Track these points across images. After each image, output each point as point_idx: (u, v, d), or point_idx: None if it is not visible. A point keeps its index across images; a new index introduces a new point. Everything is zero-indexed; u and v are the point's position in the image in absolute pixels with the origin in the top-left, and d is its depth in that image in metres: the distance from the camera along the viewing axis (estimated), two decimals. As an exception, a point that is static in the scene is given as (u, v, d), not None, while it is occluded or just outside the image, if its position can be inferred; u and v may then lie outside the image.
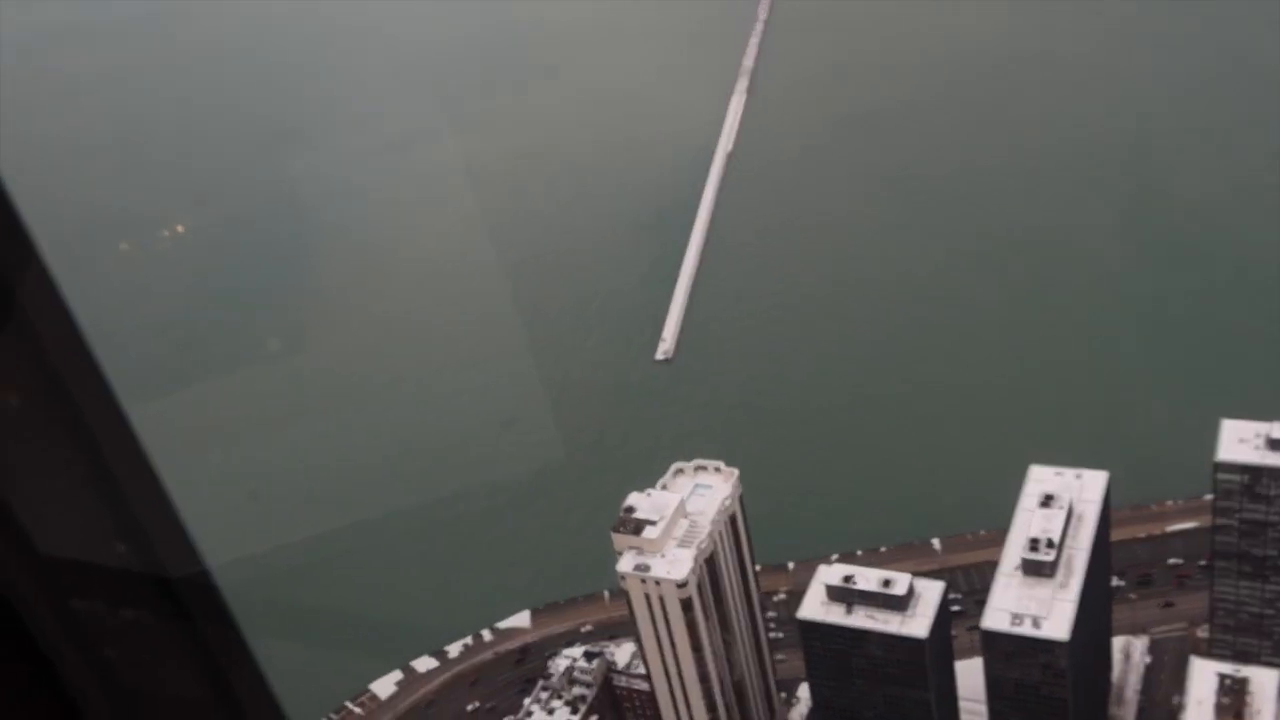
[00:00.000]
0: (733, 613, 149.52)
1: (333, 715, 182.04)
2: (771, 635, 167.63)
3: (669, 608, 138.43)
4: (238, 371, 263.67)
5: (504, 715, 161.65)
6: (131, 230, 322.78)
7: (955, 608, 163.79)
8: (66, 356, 9.50)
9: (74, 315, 9.97)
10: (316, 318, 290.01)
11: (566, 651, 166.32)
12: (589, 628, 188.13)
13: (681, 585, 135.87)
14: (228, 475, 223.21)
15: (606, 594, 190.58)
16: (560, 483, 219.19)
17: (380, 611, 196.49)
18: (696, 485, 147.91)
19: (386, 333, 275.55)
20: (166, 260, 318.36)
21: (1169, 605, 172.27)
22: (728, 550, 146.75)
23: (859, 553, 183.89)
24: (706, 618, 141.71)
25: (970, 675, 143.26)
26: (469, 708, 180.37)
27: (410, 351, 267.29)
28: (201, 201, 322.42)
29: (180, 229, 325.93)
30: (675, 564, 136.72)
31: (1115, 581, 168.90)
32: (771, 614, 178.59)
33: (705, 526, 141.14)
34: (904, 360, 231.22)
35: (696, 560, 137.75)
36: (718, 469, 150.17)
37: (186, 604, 10.23)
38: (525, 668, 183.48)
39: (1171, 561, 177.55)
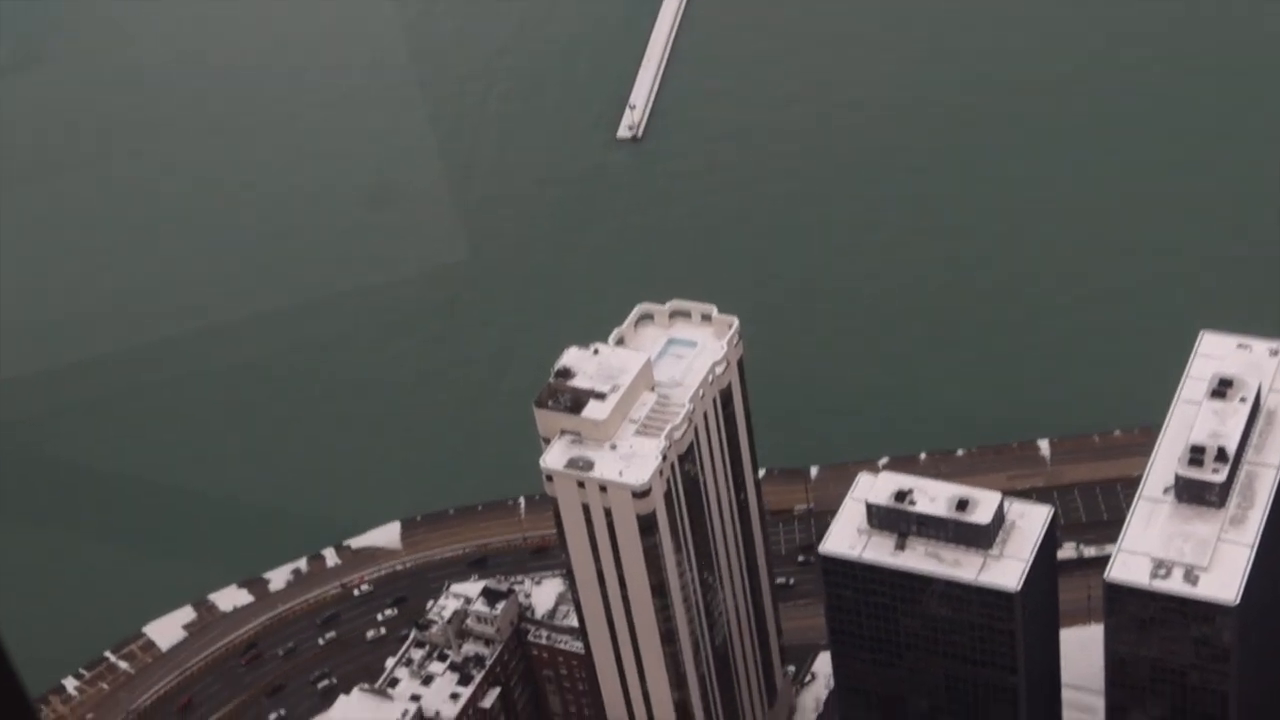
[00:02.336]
0: (719, 541, 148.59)
1: (82, 672, 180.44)
2: (779, 579, 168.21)
3: (619, 529, 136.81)
4: None
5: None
6: None
7: (1069, 550, 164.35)
8: None
9: None
10: (72, 15, 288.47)
11: (456, 588, 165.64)
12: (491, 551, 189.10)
13: (641, 494, 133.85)
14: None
15: (522, 503, 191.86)
16: (460, 321, 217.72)
17: (169, 508, 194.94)
18: (671, 340, 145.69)
19: (198, 48, 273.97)
20: None
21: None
22: (716, 444, 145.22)
23: (922, 456, 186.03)
24: (677, 546, 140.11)
25: (1083, 651, 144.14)
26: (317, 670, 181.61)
27: (240, 87, 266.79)
28: None
29: None
30: (632, 461, 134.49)
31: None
32: (781, 545, 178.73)
33: (682, 405, 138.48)
34: (1004, 170, 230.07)
35: (666, 457, 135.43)
36: (706, 316, 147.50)
37: None
38: (388, 614, 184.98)
39: None
